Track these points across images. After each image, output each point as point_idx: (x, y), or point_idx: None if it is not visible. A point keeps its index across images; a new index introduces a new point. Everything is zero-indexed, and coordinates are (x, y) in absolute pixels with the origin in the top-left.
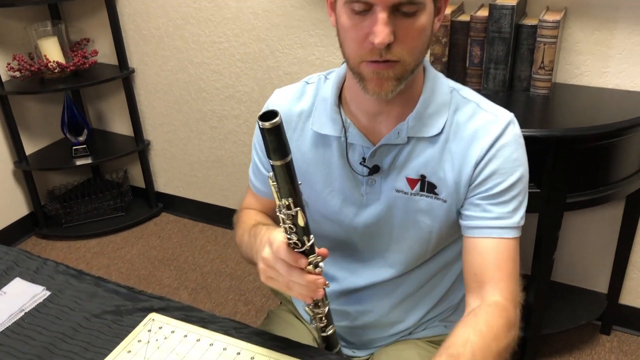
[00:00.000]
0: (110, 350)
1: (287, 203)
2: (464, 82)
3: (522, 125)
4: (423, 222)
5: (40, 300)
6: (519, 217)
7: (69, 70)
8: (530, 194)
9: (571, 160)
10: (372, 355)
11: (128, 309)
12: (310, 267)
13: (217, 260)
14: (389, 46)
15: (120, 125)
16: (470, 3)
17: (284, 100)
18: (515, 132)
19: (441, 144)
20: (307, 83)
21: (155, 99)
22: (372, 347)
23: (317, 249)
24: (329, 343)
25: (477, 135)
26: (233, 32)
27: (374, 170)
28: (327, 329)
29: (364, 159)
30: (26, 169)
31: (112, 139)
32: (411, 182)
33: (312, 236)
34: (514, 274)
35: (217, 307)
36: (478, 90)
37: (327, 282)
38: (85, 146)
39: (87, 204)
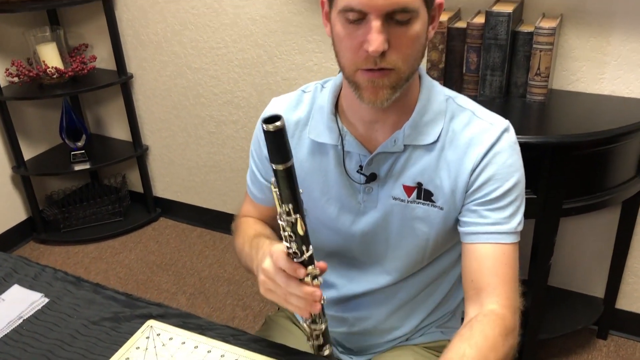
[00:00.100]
0: (109, 358)
1: (287, 209)
2: (460, 89)
3: (519, 131)
4: (420, 229)
5: (39, 307)
6: (516, 222)
7: (67, 75)
8: (526, 199)
9: (567, 167)
10: None
11: (126, 315)
12: (308, 279)
13: (215, 265)
14: (383, 54)
15: (119, 131)
16: (466, 10)
17: (281, 109)
18: (510, 139)
19: (437, 151)
20: (304, 92)
21: (154, 104)
22: (369, 353)
23: (316, 262)
24: None
25: (473, 143)
26: (231, 38)
27: (371, 178)
28: (324, 349)
29: (360, 167)
30: (24, 174)
31: (111, 144)
32: (408, 190)
33: (310, 247)
34: (512, 280)
35: (215, 312)
36: (475, 97)
37: (324, 297)
38: (83, 151)
39: (85, 209)
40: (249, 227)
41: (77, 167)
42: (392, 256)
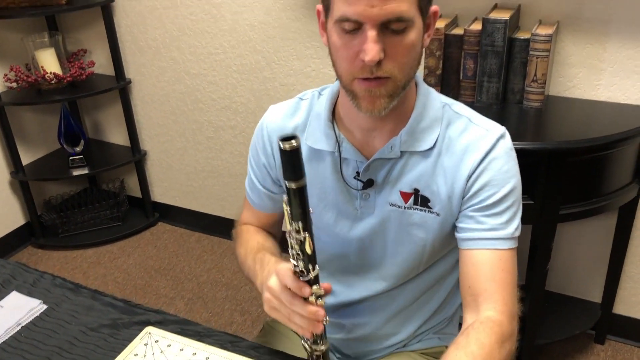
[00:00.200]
0: None
1: (297, 227)
2: (457, 95)
3: (516, 137)
4: (417, 235)
5: (37, 313)
6: (513, 228)
7: (65, 81)
8: (523, 205)
9: (564, 173)
10: None
11: (124, 322)
12: (312, 299)
13: (214, 270)
14: (379, 63)
15: (117, 136)
16: (463, 17)
17: (278, 116)
18: (506, 145)
19: (434, 158)
20: (301, 99)
21: (152, 110)
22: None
23: (321, 283)
24: None
25: (469, 149)
26: (229, 44)
27: (368, 184)
28: None
29: (357, 173)
30: (23, 179)
31: (109, 149)
32: (405, 196)
33: (317, 266)
34: (509, 285)
35: (213, 317)
36: (472, 103)
37: (327, 318)
38: (81, 156)
39: (83, 213)
40: (251, 238)
41: (76, 172)
42: (389, 262)
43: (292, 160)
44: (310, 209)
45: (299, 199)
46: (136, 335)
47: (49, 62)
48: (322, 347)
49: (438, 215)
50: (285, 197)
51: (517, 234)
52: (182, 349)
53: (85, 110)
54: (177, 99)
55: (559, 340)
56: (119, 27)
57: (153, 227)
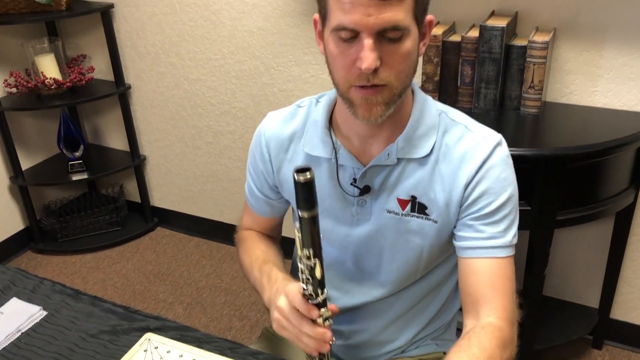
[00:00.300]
0: None
1: (307, 254)
2: (455, 101)
3: (513, 144)
4: (414, 242)
5: (37, 320)
6: (511, 235)
7: (65, 86)
8: (521, 211)
9: (561, 179)
10: None
11: (124, 328)
12: (320, 320)
13: (213, 275)
14: (376, 71)
15: (116, 141)
16: (461, 24)
17: (276, 123)
18: (503, 152)
19: (431, 165)
20: (299, 106)
21: (151, 115)
22: None
23: (329, 305)
24: None
25: (466, 157)
26: (228, 50)
27: (365, 190)
28: None
29: (354, 179)
30: (22, 184)
31: (108, 154)
32: (402, 203)
33: (326, 290)
34: (508, 293)
35: (212, 322)
36: (469, 109)
37: (333, 338)
38: (81, 161)
39: (82, 218)
40: (254, 246)
41: (75, 177)
42: (387, 269)
43: (306, 191)
44: (321, 234)
45: (311, 228)
46: (136, 341)
47: (48, 67)
48: None
49: (435, 222)
50: (297, 224)
51: (515, 241)
52: (182, 355)
53: (84, 115)
54: (176, 104)
55: (557, 345)
56: (119, 33)
57: (152, 232)
